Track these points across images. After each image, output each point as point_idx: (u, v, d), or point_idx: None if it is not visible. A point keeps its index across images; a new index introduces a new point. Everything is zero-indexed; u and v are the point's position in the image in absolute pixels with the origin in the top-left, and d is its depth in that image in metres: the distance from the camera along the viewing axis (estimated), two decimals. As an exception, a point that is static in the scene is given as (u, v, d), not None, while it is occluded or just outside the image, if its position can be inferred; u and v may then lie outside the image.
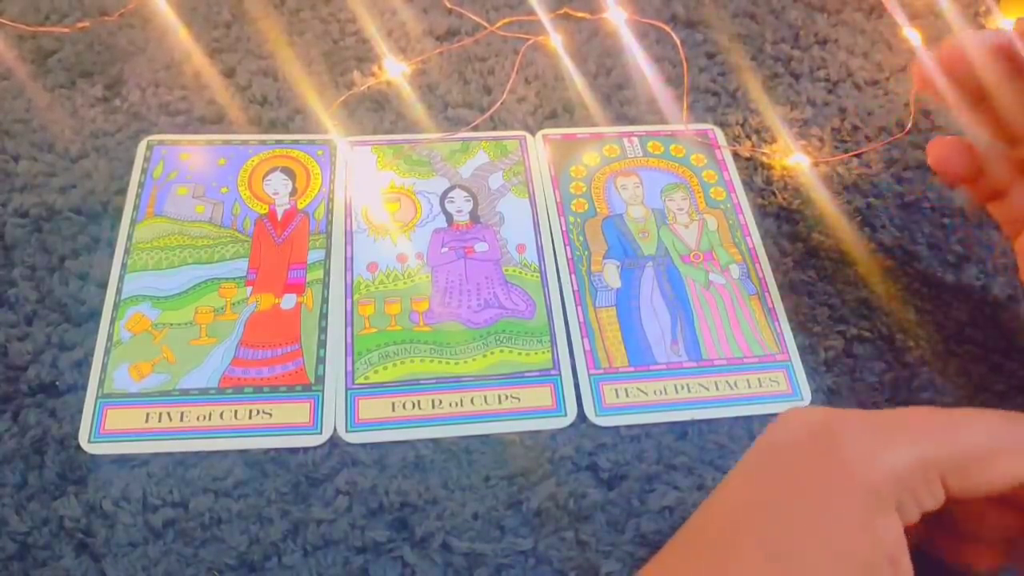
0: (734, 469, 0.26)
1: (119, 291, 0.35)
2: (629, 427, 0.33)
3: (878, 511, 0.22)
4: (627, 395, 0.34)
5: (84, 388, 0.33)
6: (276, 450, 0.32)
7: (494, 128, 0.43)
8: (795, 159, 0.41)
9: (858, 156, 0.42)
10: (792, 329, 0.36)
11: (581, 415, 0.33)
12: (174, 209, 0.38)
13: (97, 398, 0.32)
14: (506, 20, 0.47)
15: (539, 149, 0.42)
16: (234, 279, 0.36)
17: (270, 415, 0.33)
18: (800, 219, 0.40)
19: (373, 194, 0.40)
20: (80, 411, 0.32)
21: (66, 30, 0.44)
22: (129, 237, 0.37)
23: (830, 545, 0.22)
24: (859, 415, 0.25)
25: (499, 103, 0.43)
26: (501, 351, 0.35)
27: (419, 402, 0.33)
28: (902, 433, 0.24)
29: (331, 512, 0.30)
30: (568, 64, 0.45)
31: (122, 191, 0.39)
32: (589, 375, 0.34)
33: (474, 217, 0.39)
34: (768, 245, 0.39)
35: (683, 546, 0.25)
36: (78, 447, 0.31)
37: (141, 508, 0.30)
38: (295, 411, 0.33)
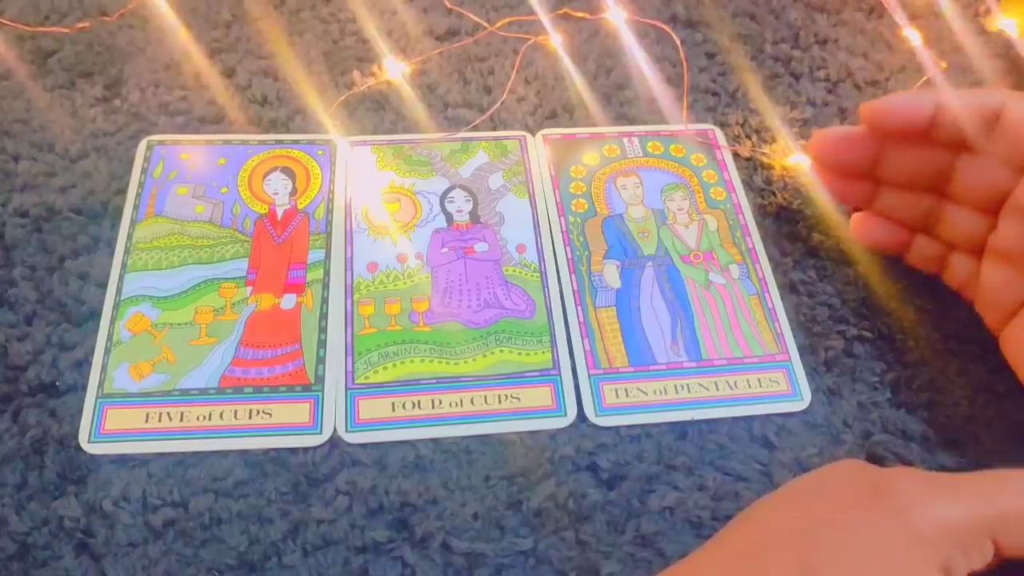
0: (774, 492, 0.26)
1: (119, 291, 0.35)
2: (629, 427, 0.33)
3: (921, 560, 0.22)
4: (627, 395, 0.34)
5: (84, 388, 0.33)
6: (276, 450, 0.32)
7: (494, 128, 0.43)
8: (795, 159, 0.41)
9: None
10: (792, 329, 0.36)
11: (581, 415, 0.33)
12: (174, 209, 0.38)
13: (97, 398, 0.32)
14: (506, 20, 0.47)
15: (539, 149, 0.42)
16: (234, 279, 0.36)
17: (270, 415, 0.33)
18: (800, 219, 0.40)
19: (373, 194, 0.40)
20: (80, 411, 0.32)
21: (66, 30, 0.44)
22: (129, 237, 0.37)
23: None
24: (914, 472, 0.25)
25: (499, 103, 0.43)
26: (501, 351, 0.35)
27: (419, 402, 0.33)
28: (955, 490, 0.24)
29: (331, 512, 0.30)
30: (568, 64, 0.45)
31: (122, 191, 0.39)
32: (589, 375, 0.34)
33: (474, 217, 0.39)
34: (768, 245, 0.39)
35: (714, 554, 0.25)
36: (78, 447, 0.31)
37: (141, 508, 0.30)
38: (295, 411, 0.33)
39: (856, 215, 0.37)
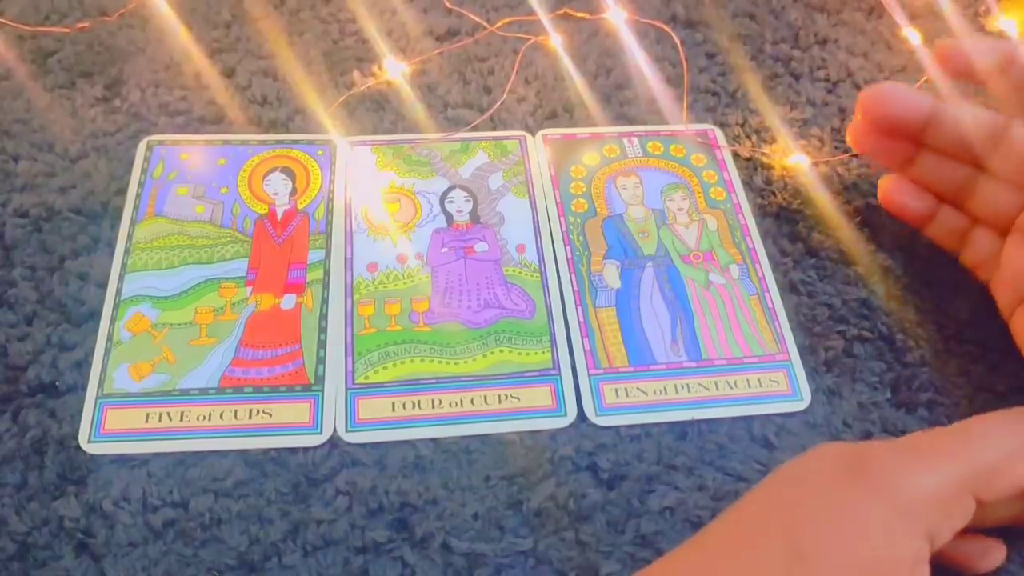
0: (760, 482, 0.26)
1: (119, 291, 0.35)
2: (629, 427, 0.33)
3: (905, 532, 0.23)
4: (627, 395, 0.34)
5: (84, 388, 0.33)
6: (276, 450, 0.32)
7: (494, 128, 0.43)
8: (795, 159, 0.41)
9: (858, 156, 0.42)
10: (792, 329, 0.36)
11: (581, 415, 0.33)
12: (174, 209, 0.38)
13: (97, 398, 0.32)
14: (506, 20, 0.47)
15: (539, 149, 0.42)
16: (234, 279, 0.36)
17: (270, 415, 0.33)
18: (800, 219, 0.40)
19: (373, 194, 0.40)
20: (80, 411, 0.32)
21: (66, 30, 0.44)
22: (129, 237, 0.37)
23: (855, 554, 0.23)
24: (887, 444, 0.26)
25: (499, 103, 0.43)
26: (501, 351, 0.35)
27: (419, 402, 0.33)
28: (929, 455, 0.24)
29: (331, 512, 0.30)
30: (568, 64, 0.45)
31: (122, 191, 0.39)
32: (589, 375, 0.34)
33: (474, 217, 0.39)
34: (768, 245, 0.39)
35: (703, 544, 0.25)
36: (78, 447, 0.31)
37: (141, 508, 0.30)
38: (295, 411, 0.33)
39: (886, 178, 0.37)
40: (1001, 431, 0.26)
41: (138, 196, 0.38)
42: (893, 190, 0.37)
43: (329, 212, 0.39)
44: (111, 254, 0.36)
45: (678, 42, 0.46)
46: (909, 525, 0.23)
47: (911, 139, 0.35)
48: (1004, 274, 0.33)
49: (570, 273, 0.37)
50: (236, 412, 0.32)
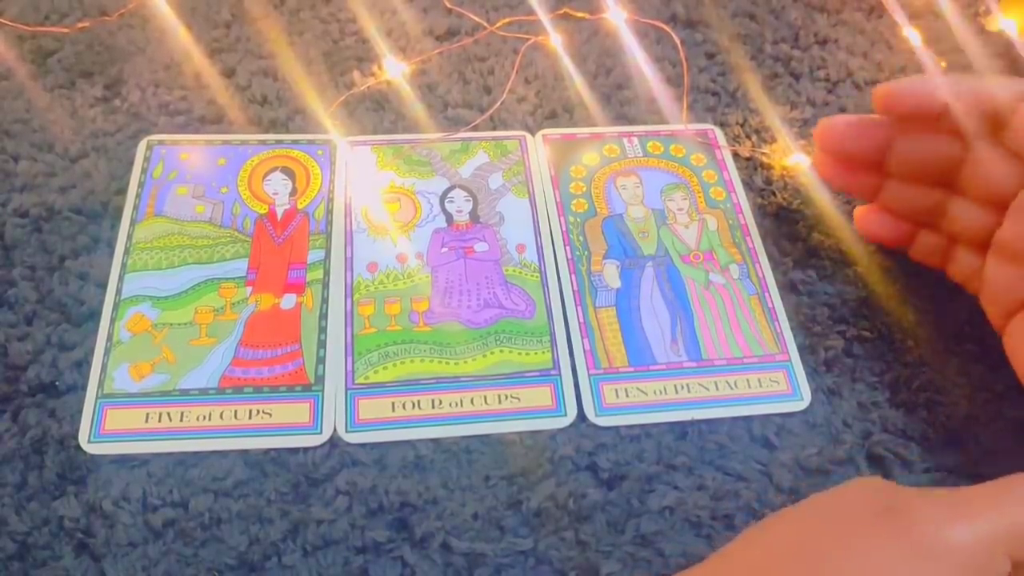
0: (786, 509, 0.26)
1: (119, 291, 0.35)
2: (629, 427, 0.33)
3: None
4: (627, 395, 0.34)
5: (84, 388, 0.33)
6: (276, 450, 0.32)
7: (494, 128, 0.43)
8: (795, 159, 0.41)
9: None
10: (792, 329, 0.36)
11: (581, 415, 0.33)
12: (174, 209, 0.38)
13: (97, 398, 0.32)
14: (506, 20, 0.47)
15: (539, 149, 0.42)
16: (234, 279, 0.36)
17: (270, 415, 0.33)
18: (800, 219, 0.40)
19: (373, 194, 0.40)
20: (80, 411, 0.32)
21: (66, 30, 0.44)
22: (129, 237, 0.37)
23: None
24: (925, 492, 0.25)
25: (499, 103, 0.43)
26: (501, 351, 0.35)
27: (419, 402, 0.33)
28: (967, 509, 0.24)
29: (331, 512, 0.30)
30: (568, 64, 0.45)
31: (122, 191, 0.39)
32: (589, 375, 0.34)
33: (474, 217, 0.39)
34: (768, 245, 0.39)
35: (729, 564, 0.25)
36: (78, 447, 0.31)
37: (141, 508, 0.30)
38: (295, 411, 0.33)
39: (859, 209, 0.37)
40: None
41: (138, 196, 0.38)
42: (867, 221, 0.37)
43: (329, 212, 0.39)
44: (111, 254, 0.36)
45: (678, 42, 0.46)
46: (936, 573, 0.23)
47: (873, 169, 0.35)
48: (989, 292, 0.32)
49: (570, 273, 0.37)
50: (236, 412, 0.32)
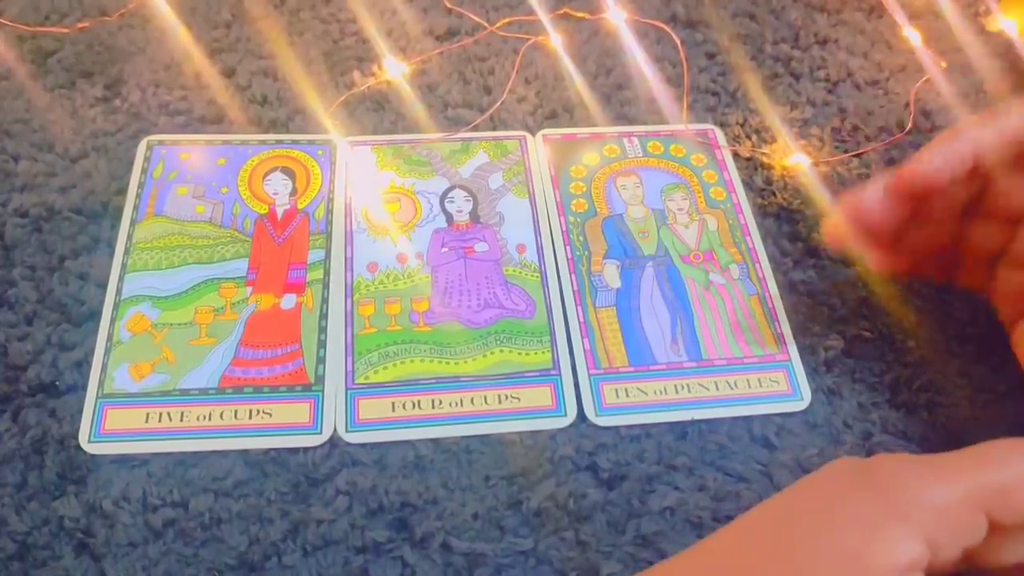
0: (773, 496, 0.26)
1: (119, 291, 0.35)
2: (629, 427, 0.33)
3: (901, 534, 0.22)
4: (627, 395, 0.34)
5: (84, 388, 0.33)
6: (276, 450, 0.32)
7: (494, 128, 0.43)
8: (795, 159, 0.41)
9: (858, 156, 0.42)
10: (792, 329, 0.36)
11: (581, 415, 0.33)
12: (174, 209, 0.38)
13: (97, 398, 0.32)
14: (506, 20, 0.47)
15: (539, 149, 0.42)
16: (234, 279, 0.36)
17: (270, 415, 0.33)
18: (800, 219, 0.40)
19: (373, 194, 0.40)
20: (80, 411, 0.32)
21: (66, 30, 0.44)
22: (129, 237, 0.37)
23: (843, 542, 0.22)
24: (900, 456, 0.25)
25: (499, 103, 0.43)
26: (501, 351, 0.35)
27: (419, 402, 0.33)
28: (941, 469, 0.24)
29: (331, 512, 0.30)
30: (568, 64, 0.45)
31: (122, 191, 0.39)
32: (589, 375, 0.34)
33: (474, 217, 0.39)
34: (768, 245, 0.39)
35: (705, 544, 0.25)
36: (78, 447, 0.31)
37: (141, 508, 0.30)
38: (295, 411, 0.33)
39: (875, 253, 0.34)
40: (1020, 453, 0.25)
41: (138, 196, 0.38)
42: (883, 263, 0.34)
43: (329, 212, 0.39)
44: (111, 254, 0.36)
45: (678, 42, 0.46)
46: (907, 528, 0.23)
47: (895, 231, 0.33)
48: (1000, 296, 0.32)
49: (570, 273, 0.37)
50: (236, 412, 0.32)
